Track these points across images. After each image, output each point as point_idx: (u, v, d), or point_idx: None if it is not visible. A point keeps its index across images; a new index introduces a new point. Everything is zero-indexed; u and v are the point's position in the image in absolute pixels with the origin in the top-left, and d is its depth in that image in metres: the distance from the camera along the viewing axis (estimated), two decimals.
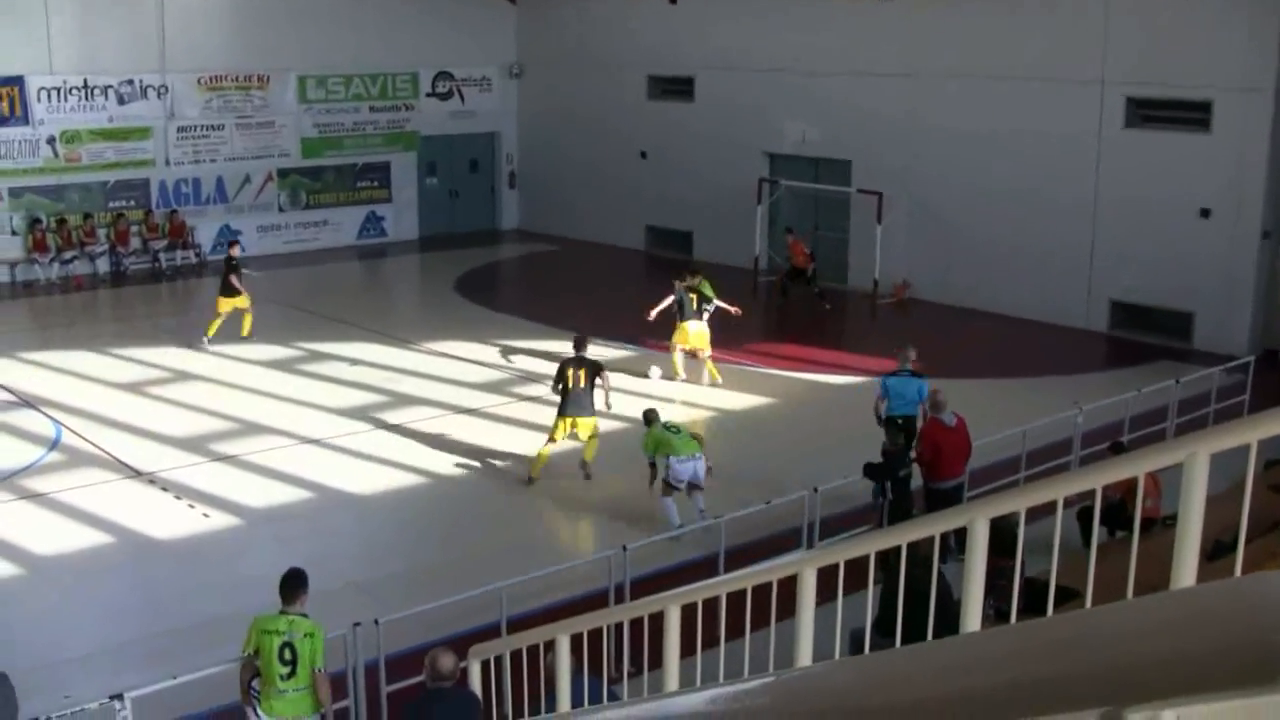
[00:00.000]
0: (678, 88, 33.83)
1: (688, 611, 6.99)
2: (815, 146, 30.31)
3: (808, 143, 30.42)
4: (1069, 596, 7.30)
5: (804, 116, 30.35)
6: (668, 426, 16.43)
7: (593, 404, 18.02)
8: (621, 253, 34.70)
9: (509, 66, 38.27)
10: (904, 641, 5.79)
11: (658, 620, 7.15)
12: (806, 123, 30.32)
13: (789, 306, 26.02)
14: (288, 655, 9.87)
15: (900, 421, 15.97)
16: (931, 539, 5.61)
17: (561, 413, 17.80)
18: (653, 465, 16.35)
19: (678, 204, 33.74)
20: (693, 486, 15.75)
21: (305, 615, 10.06)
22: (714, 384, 22.05)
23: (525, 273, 34.68)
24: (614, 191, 35.40)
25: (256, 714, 10.13)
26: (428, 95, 37.16)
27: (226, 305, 24.68)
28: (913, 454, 14.99)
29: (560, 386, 17.90)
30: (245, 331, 24.96)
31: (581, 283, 30.72)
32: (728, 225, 30.33)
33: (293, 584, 10.13)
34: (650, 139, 34.45)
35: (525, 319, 26.93)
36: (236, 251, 25.50)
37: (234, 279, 24.57)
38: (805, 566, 5.88)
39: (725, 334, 23.73)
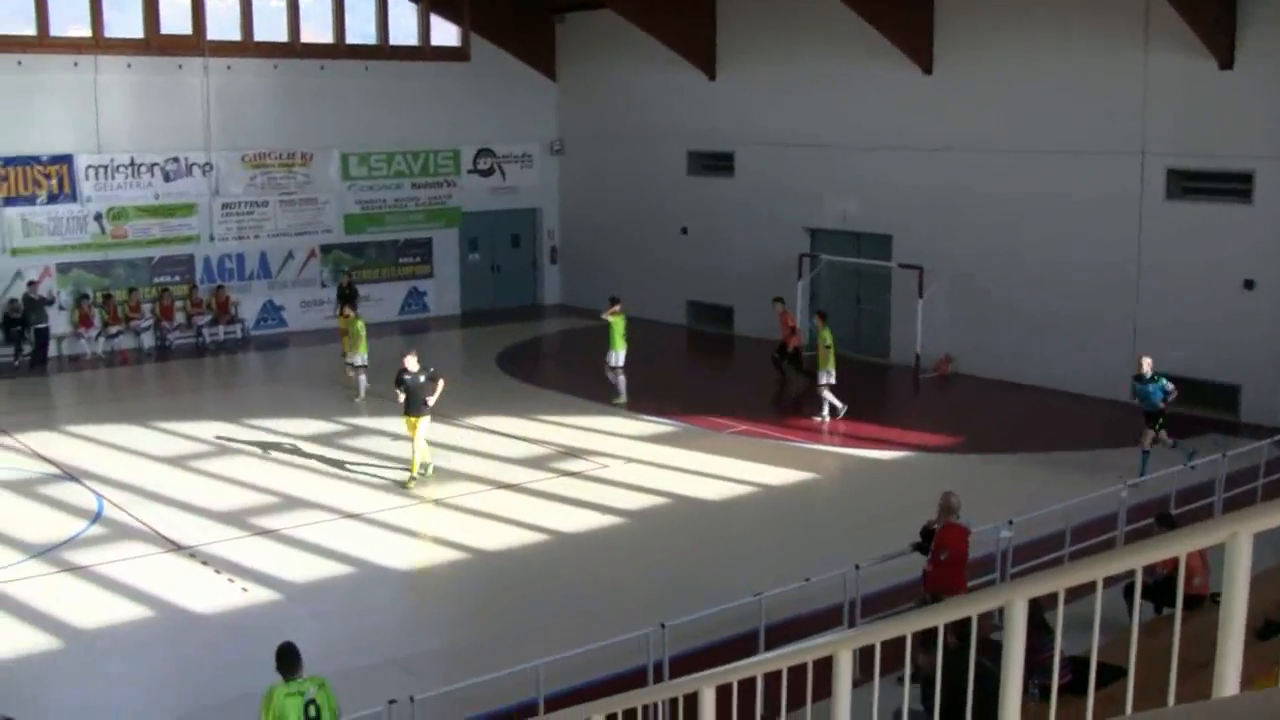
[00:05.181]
0: (718, 163, 33.97)
1: (723, 692, 6.91)
2: (856, 221, 30.32)
3: (849, 218, 30.43)
4: (1114, 674, 7.16)
5: (844, 191, 30.39)
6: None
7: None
8: (663, 328, 34.71)
9: (550, 143, 38.55)
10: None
11: (692, 700, 7.07)
12: (847, 197, 30.34)
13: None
14: (312, 712, 9.98)
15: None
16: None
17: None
18: None
19: (719, 279, 33.77)
20: None
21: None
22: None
23: (567, 348, 34.72)
24: (655, 267, 35.47)
25: None
26: (469, 172, 37.48)
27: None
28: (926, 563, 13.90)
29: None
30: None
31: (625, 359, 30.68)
32: (769, 300, 30.24)
33: (294, 658, 10.25)
34: (691, 214, 34.55)
35: (567, 394, 26.92)
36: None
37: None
38: (841, 648, 5.79)
39: (764, 408, 23.74)
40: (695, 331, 34.80)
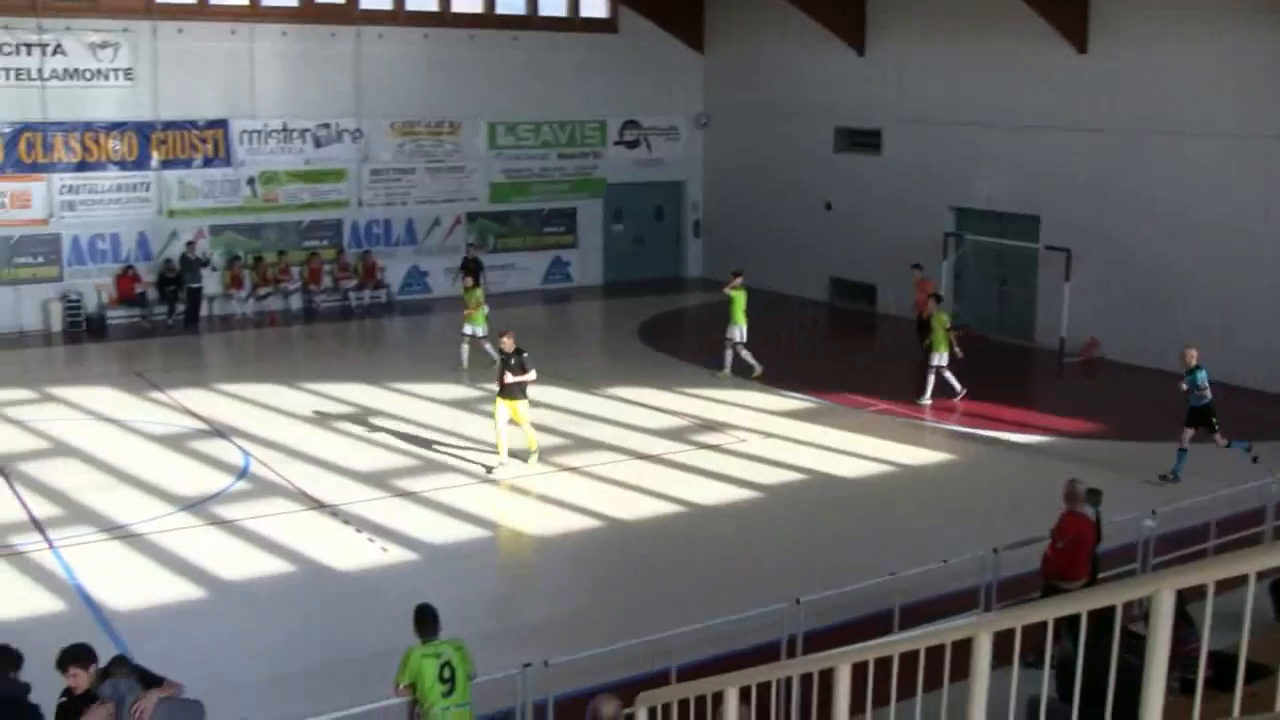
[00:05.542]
0: (865, 140, 33.67)
1: (859, 669, 6.89)
2: (1003, 201, 29.85)
3: (995, 197, 29.99)
4: (1258, 673, 7.02)
5: (993, 171, 29.95)
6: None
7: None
8: (805, 304, 34.59)
9: (696, 116, 38.52)
10: (1083, 712, 5.61)
11: (827, 676, 7.05)
12: (995, 177, 29.90)
13: (964, 362, 25.16)
14: (446, 673, 10.09)
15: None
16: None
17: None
18: None
19: (862, 257, 33.52)
20: None
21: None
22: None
23: (708, 321, 34.67)
24: (798, 242, 35.31)
25: None
26: (615, 143, 37.62)
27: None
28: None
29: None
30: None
31: (764, 333, 30.60)
32: (912, 279, 29.84)
33: (432, 620, 10.37)
34: (836, 191, 34.32)
35: (707, 368, 26.87)
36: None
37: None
38: (981, 631, 5.73)
39: (905, 387, 23.61)
40: (837, 308, 34.60)
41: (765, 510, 18.82)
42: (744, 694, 8.24)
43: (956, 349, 24.02)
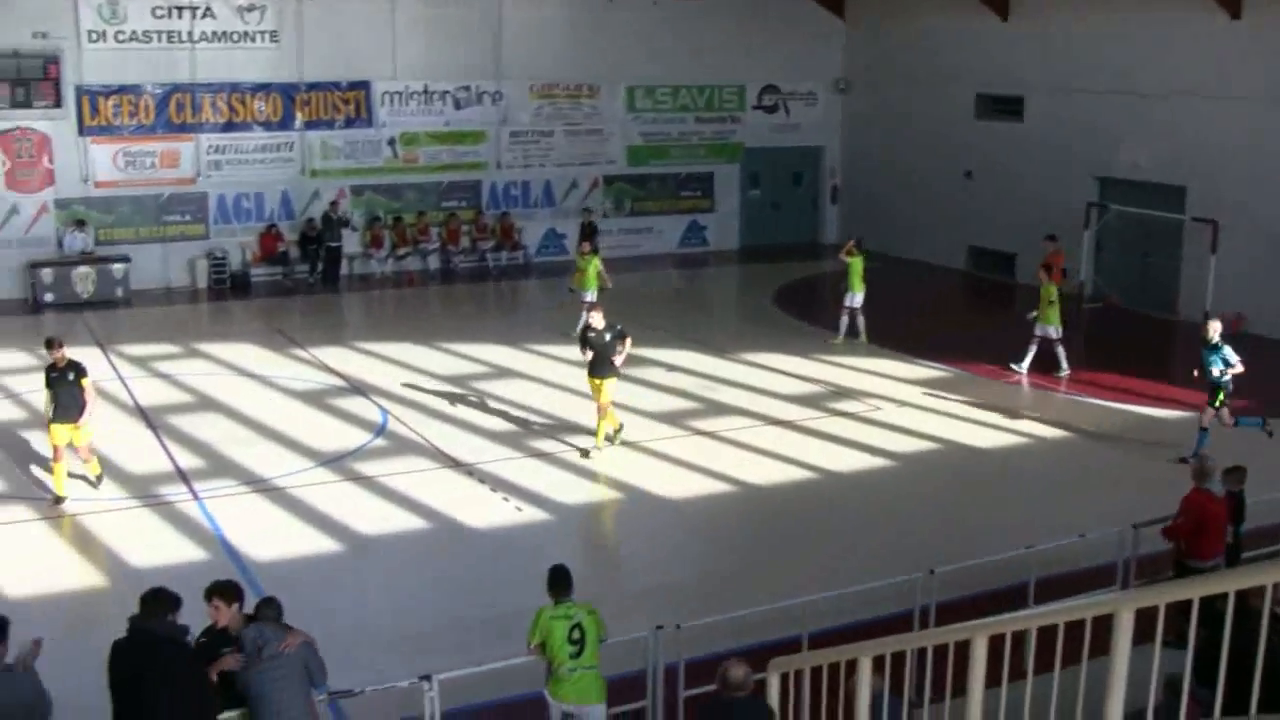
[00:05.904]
0: (1007, 107, 33.12)
1: (995, 642, 6.82)
2: (1149, 171, 29.21)
3: (1141, 167, 29.36)
4: None
5: (1138, 140, 29.31)
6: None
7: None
8: (943, 272, 34.22)
9: (835, 81, 38.19)
10: (1228, 694, 5.51)
11: (962, 648, 7.00)
12: (1141, 146, 29.25)
13: (1104, 334, 24.54)
14: (575, 635, 10.15)
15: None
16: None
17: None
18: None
19: (1002, 225, 33.02)
20: None
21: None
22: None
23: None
24: (937, 210, 34.91)
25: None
26: (753, 108, 37.44)
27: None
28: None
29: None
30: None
31: (900, 300, 30.33)
32: (1044, 252, 29.27)
33: (565, 580, 10.42)
34: (976, 158, 33.85)
35: (843, 334, 26.63)
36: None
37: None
38: (1123, 607, 5.65)
39: (1043, 359, 23.29)
40: (975, 277, 34.18)
41: (899, 479, 18.69)
42: (877, 663, 8.21)
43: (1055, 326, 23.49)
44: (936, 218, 34.89)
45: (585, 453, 19.24)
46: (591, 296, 25.75)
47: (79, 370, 16.82)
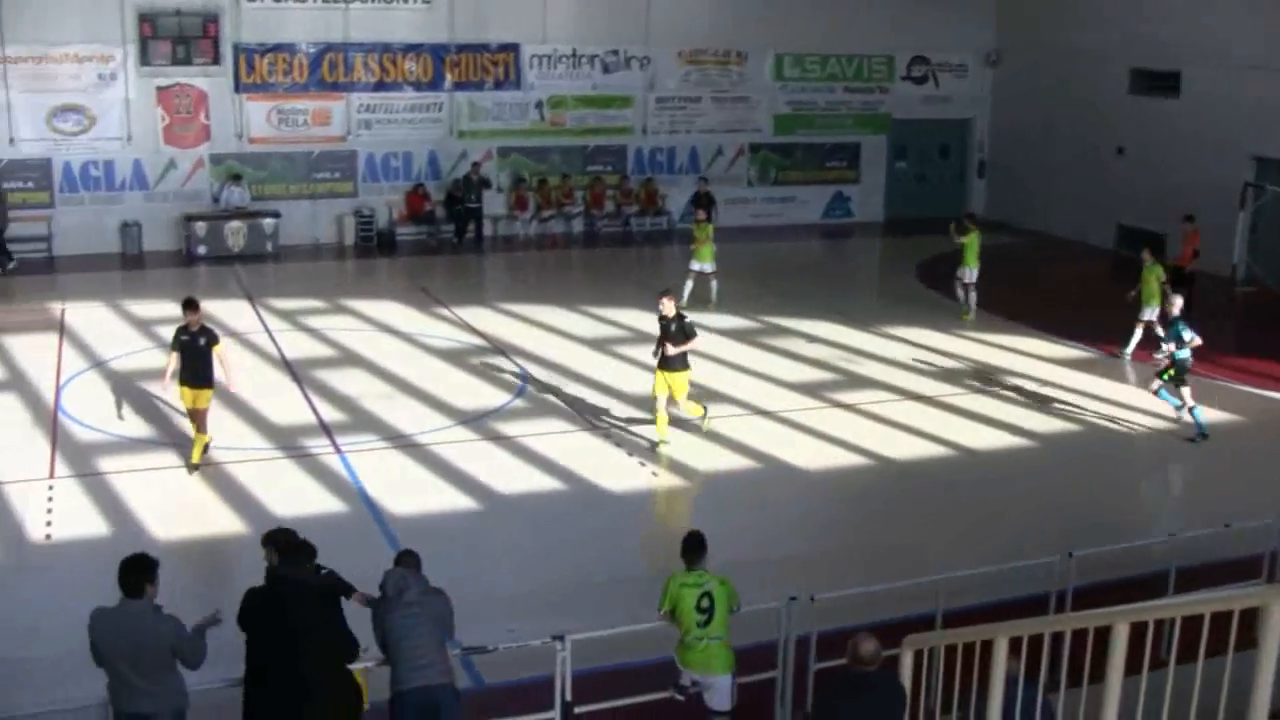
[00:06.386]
0: (1163, 82, 32.29)
1: (1137, 629, 6.68)
2: None
3: None
4: None
5: None
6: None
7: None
8: (1090, 250, 33.57)
9: (986, 53, 37.58)
10: None
11: (1101, 634, 6.86)
12: None
13: (1257, 319, 23.71)
14: (705, 604, 10.15)
15: None
16: None
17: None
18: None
19: (1153, 204, 32.21)
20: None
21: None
22: None
23: (988, 264, 33.89)
24: (1086, 187, 34.21)
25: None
26: (902, 79, 37.02)
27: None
28: None
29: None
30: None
31: (1045, 278, 29.81)
32: (1205, 230, 28.60)
33: (698, 547, 10.42)
34: (1129, 135, 33.08)
35: (985, 312, 26.27)
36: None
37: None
38: (1273, 599, 5.49)
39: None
40: (1124, 257, 33.39)
41: (1038, 458, 18.40)
42: (1013, 645, 8.08)
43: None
44: (1086, 195, 34.19)
45: (654, 444, 18.03)
46: (710, 267, 25.67)
47: (210, 336, 16.51)
